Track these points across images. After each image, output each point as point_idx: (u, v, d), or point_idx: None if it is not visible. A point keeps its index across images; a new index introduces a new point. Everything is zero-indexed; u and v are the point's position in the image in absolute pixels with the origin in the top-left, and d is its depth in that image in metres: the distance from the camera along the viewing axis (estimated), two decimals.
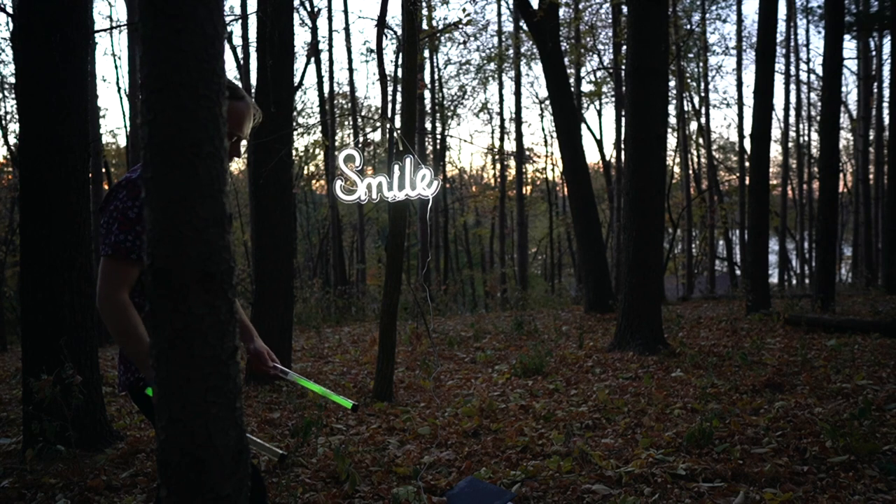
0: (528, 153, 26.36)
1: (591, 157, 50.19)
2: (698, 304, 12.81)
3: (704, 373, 5.46)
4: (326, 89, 18.96)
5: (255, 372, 3.25)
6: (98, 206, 11.69)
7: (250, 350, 2.20)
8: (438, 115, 23.86)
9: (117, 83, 23.20)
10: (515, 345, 7.77)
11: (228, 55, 17.00)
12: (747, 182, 12.52)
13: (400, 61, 15.08)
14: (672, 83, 19.07)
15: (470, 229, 31.43)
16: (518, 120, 19.58)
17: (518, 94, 19.47)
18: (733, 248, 24.48)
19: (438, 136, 23.67)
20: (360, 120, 22.32)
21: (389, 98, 18.54)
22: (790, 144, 24.96)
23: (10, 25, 5.74)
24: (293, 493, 3.22)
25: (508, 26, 20.71)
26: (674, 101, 20.93)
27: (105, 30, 10.06)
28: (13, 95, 13.84)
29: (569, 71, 17.56)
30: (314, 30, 16.59)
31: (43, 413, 3.69)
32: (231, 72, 18.03)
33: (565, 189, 18.97)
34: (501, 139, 24.15)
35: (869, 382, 4.92)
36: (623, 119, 11.95)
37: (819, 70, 21.80)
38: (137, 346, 1.76)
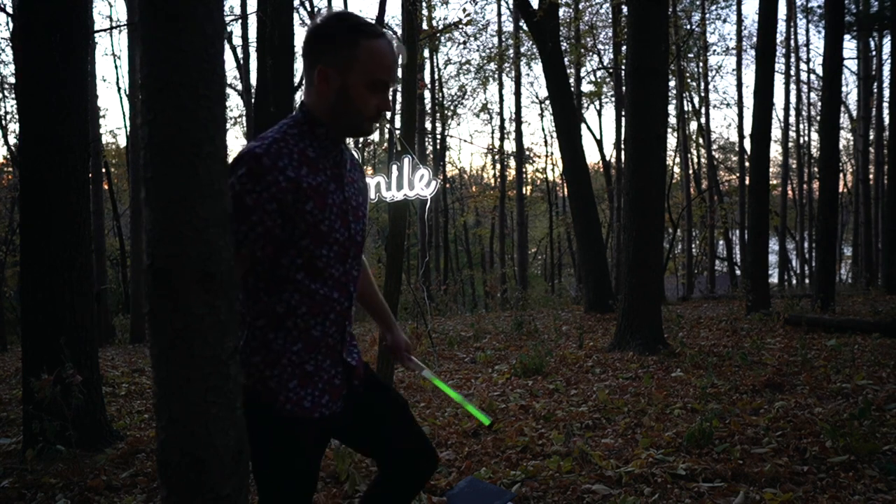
0: (528, 153, 26.37)
1: (591, 157, 50.12)
2: (698, 304, 12.81)
3: (704, 373, 5.46)
4: None
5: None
6: (95, 207, 11.67)
7: (387, 340, 2.05)
8: (438, 115, 23.86)
9: (117, 83, 23.26)
10: (515, 345, 7.77)
11: (228, 55, 16.99)
12: (747, 182, 12.53)
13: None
14: (672, 83, 19.08)
15: (470, 229, 31.44)
16: (518, 120, 19.59)
17: (518, 94, 19.48)
18: (733, 248, 24.49)
19: (438, 136, 23.68)
20: None
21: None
22: (790, 144, 24.98)
23: (10, 25, 5.74)
24: None
25: (508, 26, 20.73)
26: (674, 101, 20.95)
27: (105, 30, 10.07)
28: (13, 95, 13.84)
29: (569, 71, 17.56)
30: None
31: (43, 413, 3.69)
32: (231, 72, 18.04)
33: (565, 189, 18.97)
34: (501, 139, 24.17)
35: (869, 382, 4.92)
36: (623, 119, 11.95)
37: (819, 70, 21.81)
38: None
